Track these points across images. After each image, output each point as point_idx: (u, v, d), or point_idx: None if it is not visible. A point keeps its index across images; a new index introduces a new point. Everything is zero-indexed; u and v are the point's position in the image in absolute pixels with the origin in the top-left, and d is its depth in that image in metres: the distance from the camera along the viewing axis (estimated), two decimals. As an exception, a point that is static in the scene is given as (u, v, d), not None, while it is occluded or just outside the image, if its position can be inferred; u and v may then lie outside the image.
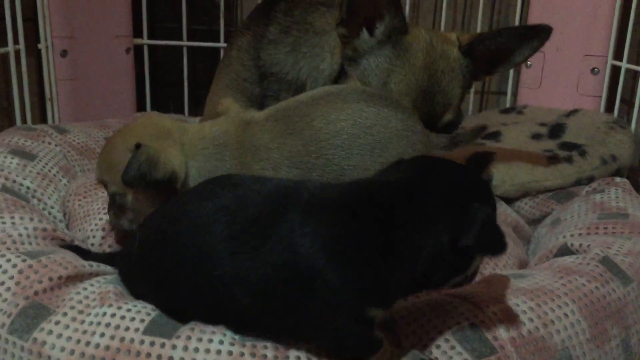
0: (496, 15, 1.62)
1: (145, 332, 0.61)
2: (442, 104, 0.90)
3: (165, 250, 0.63)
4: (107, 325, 0.62)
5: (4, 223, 0.79)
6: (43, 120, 1.38)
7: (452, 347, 0.62)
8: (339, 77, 0.95)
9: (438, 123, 0.90)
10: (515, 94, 1.56)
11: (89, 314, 0.63)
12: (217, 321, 0.62)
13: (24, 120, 1.26)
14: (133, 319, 0.62)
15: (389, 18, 0.88)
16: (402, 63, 0.88)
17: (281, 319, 0.57)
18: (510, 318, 0.65)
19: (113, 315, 0.63)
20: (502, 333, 0.63)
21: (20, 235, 0.75)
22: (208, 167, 0.78)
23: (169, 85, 1.68)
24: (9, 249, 0.72)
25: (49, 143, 1.10)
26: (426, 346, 0.62)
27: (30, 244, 0.75)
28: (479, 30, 1.53)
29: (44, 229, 0.78)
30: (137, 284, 0.68)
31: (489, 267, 0.84)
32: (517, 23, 1.51)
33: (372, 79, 0.89)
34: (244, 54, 1.04)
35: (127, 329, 0.61)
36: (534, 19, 1.46)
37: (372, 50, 0.89)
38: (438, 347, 0.62)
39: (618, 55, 1.36)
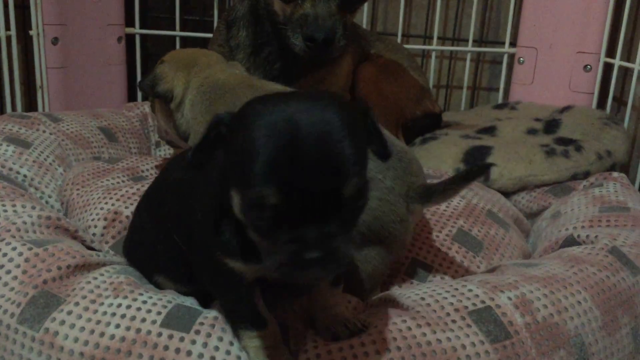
0: (489, 12, 1.63)
1: (162, 325, 0.60)
2: None
3: (142, 211, 0.74)
4: (123, 316, 0.61)
5: (5, 211, 0.77)
6: (31, 108, 1.35)
7: (469, 325, 0.62)
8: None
9: None
10: (506, 90, 1.58)
11: (102, 304, 0.62)
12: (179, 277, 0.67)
13: (13, 108, 1.23)
14: (149, 310, 0.61)
15: None
16: None
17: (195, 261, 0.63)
18: (525, 304, 0.65)
19: (128, 306, 0.62)
20: (517, 318, 0.64)
21: (24, 223, 0.73)
22: (198, 103, 0.88)
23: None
24: (13, 236, 0.70)
25: (44, 131, 1.08)
26: (440, 319, 0.62)
27: (34, 232, 0.73)
28: (472, 27, 1.54)
29: (48, 217, 0.76)
30: (133, 255, 0.74)
31: (495, 257, 0.85)
32: (510, 19, 1.52)
33: None
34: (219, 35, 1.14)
35: (144, 320, 0.60)
36: (527, 15, 1.47)
37: None
38: (454, 321, 0.62)
39: (610, 53, 1.38)
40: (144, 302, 0.62)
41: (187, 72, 0.90)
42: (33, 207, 0.79)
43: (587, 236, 0.82)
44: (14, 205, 0.78)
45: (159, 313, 0.61)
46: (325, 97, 0.50)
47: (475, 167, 0.73)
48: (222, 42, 1.10)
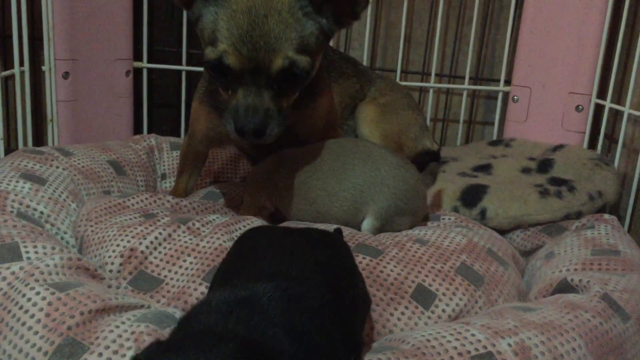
0: (484, 50, 1.69)
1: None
2: (266, 50, 0.88)
3: None
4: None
5: (27, 253, 0.80)
6: (40, 140, 1.39)
7: (470, 372, 0.66)
8: None
9: (269, 71, 0.89)
10: (501, 125, 1.63)
11: (124, 356, 0.65)
12: None
13: (25, 142, 1.26)
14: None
15: None
16: (224, 11, 0.89)
17: None
18: (524, 350, 0.69)
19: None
20: (517, 366, 0.67)
21: (47, 265, 0.76)
22: None
23: (163, 106, 1.70)
24: (37, 280, 0.74)
25: (57, 167, 1.11)
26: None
27: (57, 274, 0.76)
28: (468, 65, 1.60)
29: (70, 259, 0.79)
30: None
31: (495, 293, 0.88)
32: (505, 58, 1.58)
33: (205, 33, 0.92)
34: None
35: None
36: (521, 56, 1.53)
37: (205, 6, 0.92)
38: (455, 365, 0.66)
39: (601, 94, 1.44)
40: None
41: None
42: (53, 248, 0.82)
43: (580, 280, 0.86)
44: (35, 247, 0.81)
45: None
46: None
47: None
48: (206, 79, 1.14)
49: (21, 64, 1.24)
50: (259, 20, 0.87)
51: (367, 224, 1.04)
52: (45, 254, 0.80)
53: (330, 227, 0.97)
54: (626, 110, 1.32)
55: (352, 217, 1.04)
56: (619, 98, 1.43)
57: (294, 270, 0.63)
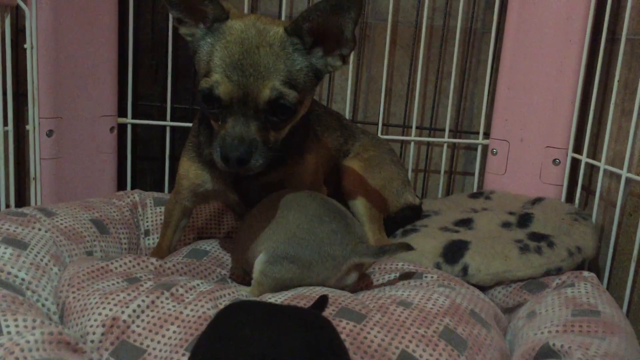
0: (463, 102, 1.73)
1: None
2: (256, 78, 0.93)
3: None
4: None
5: (8, 327, 0.79)
6: (21, 198, 1.38)
7: None
8: None
9: (257, 101, 0.94)
10: (481, 176, 1.66)
11: None
12: None
13: (7, 200, 1.26)
14: None
15: (210, 10, 0.98)
16: (219, 41, 0.96)
17: None
18: None
19: None
20: None
21: (27, 342, 0.75)
22: None
23: (147, 159, 1.70)
24: (17, 359, 0.73)
25: (39, 229, 1.11)
26: None
27: (37, 350, 0.76)
28: (447, 118, 1.63)
29: (50, 333, 0.78)
30: None
31: (478, 357, 0.89)
32: (483, 116, 1.62)
33: (201, 63, 0.99)
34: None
35: None
36: (498, 110, 1.57)
37: (203, 38, 0.99)
38: None
39: (577, 148, 1.48)
40: None
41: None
42: (34, 320, 0.81)
43: (562, 346, 0.87)
44: (15, 320, 0.80)
45: None
46: None
47: (400, 244, 1.04)
48: (194, 135, 1.17)
49: (5, 123, 1.24)
50: (251, 51, 0.94)
51: (259, 259, 1.03)
52: (25, 327, 0.80)
53: (316, 295, 0.97)
54: (602, 166, 1.36)
55: (253, 256, 1.05)
56: (594, 150, 1.46)
57: (283, 352, 0.63)
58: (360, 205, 1.31)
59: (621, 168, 1.29)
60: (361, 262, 1.03)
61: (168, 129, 1.59)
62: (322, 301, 0.90)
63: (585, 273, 1.13)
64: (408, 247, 1.06)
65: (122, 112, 1.55)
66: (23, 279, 0.96)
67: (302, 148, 1.15)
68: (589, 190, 1.49)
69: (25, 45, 1.30)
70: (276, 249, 1.01)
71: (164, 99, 1.58)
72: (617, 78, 1.33)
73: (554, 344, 0.88)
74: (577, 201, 1.45)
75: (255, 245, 1.05)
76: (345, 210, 1.10)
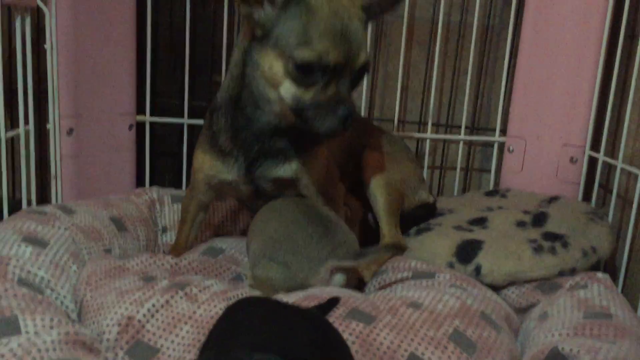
0: (480, 99, 1.72)
1: None
2: (357, 44, 1.02)
3: None
4: None
5: (26, 326, 0.82)
6: (43, 196, 1.41)
7: None
8: (244, 68, 1.09)
9: (354, 65, 1.02)
10: (498, 173, 1.65)
11: None
12: None
13: (28, 199, 1.29)
14: None
15: None
16: (312, 15, 0.99)
17: None
18: None
19: None
20: None
21: (44, 342, 0.78)
22: None
23: (165, 155, 1.73)
24: (34, 359, 0.75)
25: (59, 227, 1.13)
26: None
27: (54, 350, 0.78)
28: (464, 115, 1.63)
29: (67, 333, 0.81)
30: None
31: (486, 366, 0.90)
32: (499, 114, 1.61)
33: (290, 39, 1.00)
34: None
35: None
36: (515, 107, 1.56)
37: (280, 18, 1.01)
38: None
39: (595, 146, 1.46)
40: None
41: None
42: (52, 319, 0.84)
43: (571, 350, 0.87)
44: (33, 320, 0.83)
45: None
46: None
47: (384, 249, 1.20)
48: (207, 127, 1.19)
49: (26, 122, 1.27)
50: (346, 22, 1.01)
51: (247, 266, 1.14)
52: (43, 327, 0.82)
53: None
54: (619, 164, 1.34)
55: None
56: (612, 148, 1.45)
57: (290, 346, 0.64)
58: (379, 198, 1.31)
59: (639, 167, 1.28)
60: (341, 266, 1.06)
61: (186, 126, 1.61)
62: (331, 303, 0.92)
63: (599, 274, 1.13)
64: (393, 253, 1.18)
65: (140, 110, 1.57)
66: (43, 277, 0.99)
67: (313, 141, 1.16)
68: (606, 188, 1.48)
69: (45, 45, 1.32)
70: (255, 250, 1.10)
71: (182, 96, 1.60)
72: (635, 76, 1.31)
73: (562, 348, 0.88)
74: (594, 200, 1.43)
75: (248, 252, 1.15)
76: (333, 218, 1.13)
